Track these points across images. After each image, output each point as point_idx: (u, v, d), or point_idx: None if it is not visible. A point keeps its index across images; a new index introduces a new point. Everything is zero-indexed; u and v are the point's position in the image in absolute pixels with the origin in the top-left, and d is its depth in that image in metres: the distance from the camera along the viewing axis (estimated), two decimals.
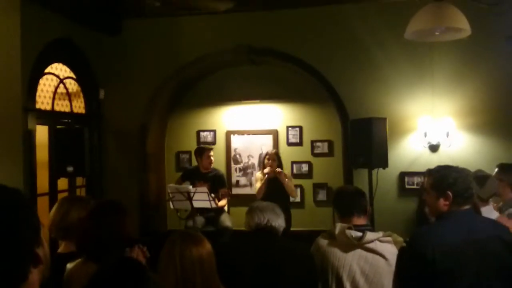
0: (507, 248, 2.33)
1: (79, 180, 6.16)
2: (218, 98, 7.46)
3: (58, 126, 5.94)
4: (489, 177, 3.64)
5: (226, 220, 6.15)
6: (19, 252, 1.05)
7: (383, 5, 6.25)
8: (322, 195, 7.26)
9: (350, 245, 2.65)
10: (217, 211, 6.13)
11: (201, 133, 7.66)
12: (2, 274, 1.02)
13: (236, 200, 6.70)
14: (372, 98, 6.35)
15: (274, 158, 6.09)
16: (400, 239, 2.73)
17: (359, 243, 2.64)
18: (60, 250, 2.75)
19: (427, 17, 4.13)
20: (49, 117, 6.01)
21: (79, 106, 6.72)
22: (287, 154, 7.19)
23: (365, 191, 3.06)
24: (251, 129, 7.54)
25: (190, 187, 5.77)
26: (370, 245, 2.64)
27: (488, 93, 6.07)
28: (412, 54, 6.17)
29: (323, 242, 2.76)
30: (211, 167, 6.38)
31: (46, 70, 5.94)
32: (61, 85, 6.31)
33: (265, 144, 7.40)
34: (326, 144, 7.29)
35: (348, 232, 2.65)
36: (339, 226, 2.69)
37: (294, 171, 7.29)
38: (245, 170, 7.60)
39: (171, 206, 6.04)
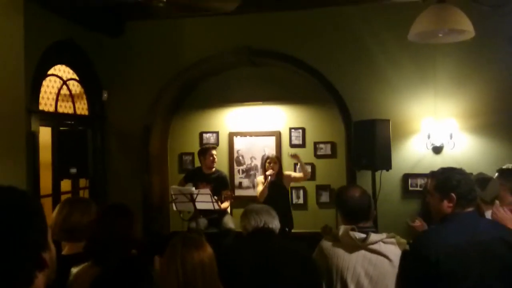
0: (511, 249, 2.32)
1: (82, 182, 6.17)
2: (221, 99, 7.46)
3: (61, 128, 5.96)
4: (490, 180, 3.62)
5: (229, 221, 6.15)
6: (25, 256, 1.04)
7: (384, 6, 6.25)
8: (325, 197, 7.25)
9: (354, 246, 2.66)
10: (220, 212, 6.12)
11: (204, 135, 7.66)
12: (7, 277, 1.01)
13: (238, 202, 6.69)
14: (375, 99, 6.34)
15: (275, 161, 6.12)
16: (404, 240, 2.73)
17: (363, 244, 2.64)
18: (64, 252, 2.75)
19: (430, 18, 4.13)
20: (53, 118, 6.03)
21: (82, 107, 6.74)
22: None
23: (369, 193, 3.04)
24: (254, 130, 7.53)
25: (193, 189, 5.78)
26: (374, 246, 2.64)
27: (492, 95, 6.06)
28: (415, 55, 6.16)
29: (326, 244, 2.76)
30: (214, 167, 6.38)
31: (49, 72, 5.96)
32: (64, 87, 6.33)
33: (268, 146, 7.39)
34: (329, 145, 7.28)
35: (352, 233, 2.65)
36: (342, 228, 2.70)
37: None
38: (248, 172, 7.58)
39: (174, 208, 6.05)
